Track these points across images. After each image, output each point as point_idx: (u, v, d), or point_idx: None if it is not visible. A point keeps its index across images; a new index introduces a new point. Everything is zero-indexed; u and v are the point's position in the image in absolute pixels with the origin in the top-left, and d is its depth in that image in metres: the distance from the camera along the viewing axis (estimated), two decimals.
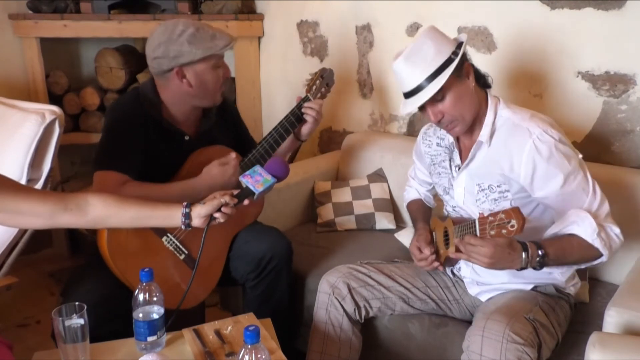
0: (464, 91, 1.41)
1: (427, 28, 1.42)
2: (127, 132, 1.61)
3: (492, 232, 1.27)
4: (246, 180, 1.40)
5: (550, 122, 1.42)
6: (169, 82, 1.62)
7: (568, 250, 1.34)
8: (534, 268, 1.33)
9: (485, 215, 1.31)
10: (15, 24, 2.65)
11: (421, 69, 1.37)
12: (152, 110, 1.64)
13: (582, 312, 1.61)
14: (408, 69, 1.39)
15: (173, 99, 1.65)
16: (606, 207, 1.40)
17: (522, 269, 1.34)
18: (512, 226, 1.23)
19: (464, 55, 1.41)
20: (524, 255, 1.30)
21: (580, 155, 1.42)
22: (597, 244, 1.32)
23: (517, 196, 1.45)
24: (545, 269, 1.36)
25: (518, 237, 1.30)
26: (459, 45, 1.41)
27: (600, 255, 1.35)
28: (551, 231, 1.40)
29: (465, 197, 1.54)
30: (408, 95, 1.42)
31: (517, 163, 1.40)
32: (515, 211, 1.24)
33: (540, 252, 1.31)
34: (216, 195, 1.37)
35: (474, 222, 1.33)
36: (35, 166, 1.81)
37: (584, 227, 1.33)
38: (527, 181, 1.40)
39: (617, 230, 1.37)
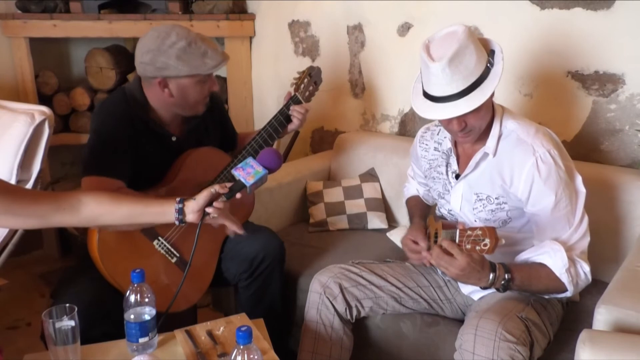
0: (490, 102, 1.40)
1: (466, 28, 1.31)
2: (116, 136, 1.59)
3: (468, 246, 1.30)
4: (238, 173, 1.38)
5: (554, 140, 1.43)
6: (152, 87, 1.61)
7: (535, 279, 1.37)
8: (497, 289, 1.37)
9: (466, 227, 1.32)
10: (3, 23, 2.63)
11: (463, 76, 1.29)
12: (139, 111, 1.63)
13: (573, 311, 1.62)
14: (450, 74, 1.29)
15: (156, 102, 1.64)
16: (584, 244, 1.41)
17: (485, 287, 1.37)
18: (485, 245, 1.26)
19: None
20: (491, 276, 1.33)
21: (584, 190, 1.42)
22: (564, 278, 1.35)
23: (513, 209, 1.46)
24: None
25: (502, 251, 1.33)
26: (490, 52, 1.35)
27: (566, 290, 1.38)
28: (524, 256, 1.43)
29: (463, 205, 1.54)
30: (437, 99, 1.34)
31: (517, 177, 1.41)
32: (490, 230, 1.27)
33: (506, 277, 1.34)
34: (208, 188, 1.37)
35: (456, 232, 1.34)
36: (24, 167, 1.79)
37: (554, 260, 1.35)
38: (524, 196, 1.41)
39: (587, 268, 1.39)
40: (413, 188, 1.88)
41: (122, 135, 1.59)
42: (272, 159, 1.42)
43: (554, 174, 1.37)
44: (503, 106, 1.50)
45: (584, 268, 1.38)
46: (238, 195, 1.39)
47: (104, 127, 1.61)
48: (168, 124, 1.69)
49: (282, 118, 1.82)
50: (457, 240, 1.32)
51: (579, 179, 1.43)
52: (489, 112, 1.43)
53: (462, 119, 1.36)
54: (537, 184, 1.38)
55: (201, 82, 1.60)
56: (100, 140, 1.60)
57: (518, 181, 1.41)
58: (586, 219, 1.42)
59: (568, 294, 1.39)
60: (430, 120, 1.68)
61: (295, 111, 1.82)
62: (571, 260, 1.36)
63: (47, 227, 1.30)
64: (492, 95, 1.37)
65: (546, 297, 1.47)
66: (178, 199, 1.34)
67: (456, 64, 1.28)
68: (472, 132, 1.42)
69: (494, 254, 1.36)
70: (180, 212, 1.34)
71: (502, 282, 1.34)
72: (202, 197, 1.34)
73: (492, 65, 1.34)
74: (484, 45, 1.38)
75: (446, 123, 1.41)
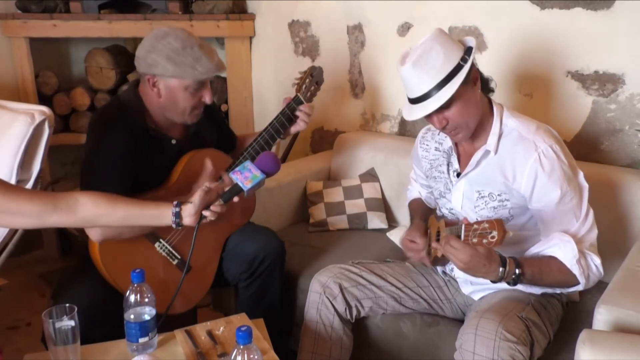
0: (471, 98, 1.40)
1: (435, 32, 1.38)
2: (114, 150, 1.56)
3: (475, 240, 1.28)
4: (235, 177, 1.37)
5: (555, 137, 1.44)
6: (144, 84, 1.60)
7: (546, 272, 1.37)
8: (508, 283, 1.36)
9: (472, 222, 1.32)
10: (4, 23, 2.63)
11: (430, 75, 1.34)
12: (137, 118, 1.61)
13: (573, 311, 1.62)
14: (416, 75, 1.36)
15: (150, 103, 1.62)
16: (593, 236, 1.41)
17: (495, 281, 1.36)
18: (493, 237, 1.24)
19: (473, 61, 1.38)
20: (500, 269, 1.32)
21: (586, 185, 1.43)
22: (576, 270, 1.34)
23: (516, 206, 1.46)
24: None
25: (504, 249, 1.32)
26: (467, 50, 1.38)
27: (577, 283, 1.37)
28: (534, 250, 1.43)
29: (464, 203, 1.54)
30: (414, 101, 1.40)
31: (519, 174, 1.41)
32: (498, 223, 1.25)
33: (517, 271, 1.33)
34: (201, 187, 1.36)
35: (461, 227, 1.33)
36: (24, 167, 1.79)
37: (565, 251, 1.35)
38: (527, 192, 1.41)
39: (597, 261, 1.38)
40: (415, 191, 1.88)
41: (120, 149, 1.56)
42: (270, 163, 1.42)
43: (557, 169, 1.37)
44: (503, 105, 1.50)
45: (595, 261, 1.38)
46: (235, 199, 1.39)
47: (100, 144, 1.58)
48: (167, 128, 1.67)
49: (284, 119, 1.81)
50: (462, 236, 1.31)
51: (581, 174, 1.44)
52: (477, 109, 1.43)
53: (441, 116, 1.39)
54: (541, 179, 1.38)
55: (191, 90, 1.57)
56: (95, 154, 1.57)
57: (521, 177, 1.41)
58: (592, 212, 1.42)
59: (580, 287, 1.38)
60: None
61: (302, 112, 1.80)
62: (581, 252, 1.35)
63: (45, 227, 1.30)
64: (472, 91, 1.39)
65: (558, 291, 1.46)
66: (175, 202, 1.34)
67: (421, 65, 1.34)
68: (459, 129, 1.42)
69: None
70: (177, 215, 1.34)
71: (513, 276, 1.33)
72: (198, 199, 1.34)
73: (465, 61, 1.36)
74: (463, 44, 1.40)
75: (430, 122, 1.44)
